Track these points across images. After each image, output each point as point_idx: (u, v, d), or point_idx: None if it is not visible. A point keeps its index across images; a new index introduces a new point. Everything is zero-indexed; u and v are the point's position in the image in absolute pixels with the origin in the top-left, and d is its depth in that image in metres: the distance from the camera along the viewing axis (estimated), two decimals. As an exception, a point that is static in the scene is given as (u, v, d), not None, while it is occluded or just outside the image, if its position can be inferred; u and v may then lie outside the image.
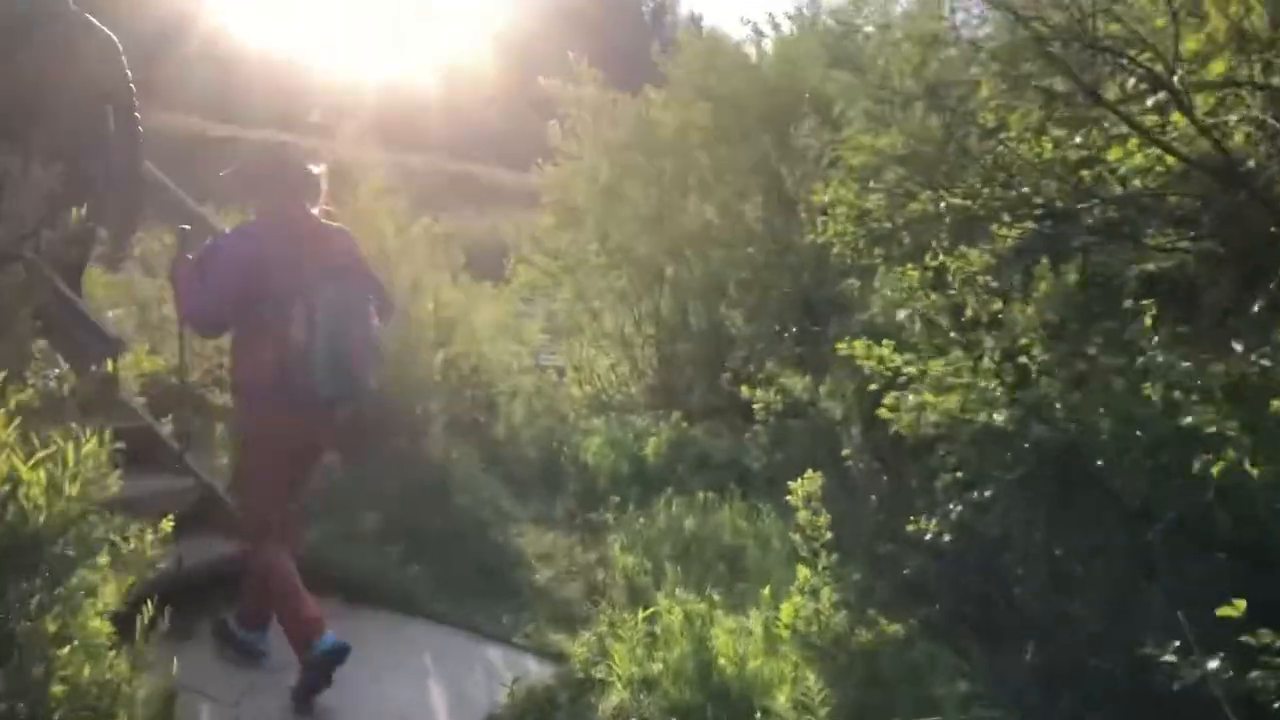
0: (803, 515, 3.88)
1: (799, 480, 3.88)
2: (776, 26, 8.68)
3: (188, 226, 3.76)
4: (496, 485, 6.72)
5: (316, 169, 3.73)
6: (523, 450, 7.47)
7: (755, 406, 5.71)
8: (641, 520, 5.46)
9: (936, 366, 3.75)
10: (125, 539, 2.76)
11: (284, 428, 3.55)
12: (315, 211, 3.70)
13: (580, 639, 4.29)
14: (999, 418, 3.58)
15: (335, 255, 3.61)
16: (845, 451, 4.97)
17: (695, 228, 8.21)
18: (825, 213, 4.56)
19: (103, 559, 2.59)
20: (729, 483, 5.91)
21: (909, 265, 4.06)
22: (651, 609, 4.20)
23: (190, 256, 3.60)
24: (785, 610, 3.88)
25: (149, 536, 2.82)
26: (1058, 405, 3.47)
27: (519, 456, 7.39)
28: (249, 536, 3.72)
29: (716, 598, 4.31)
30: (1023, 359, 3.69)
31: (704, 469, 6.24)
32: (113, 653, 2.50)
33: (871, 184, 4.12)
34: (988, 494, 3.63)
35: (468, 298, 8.43)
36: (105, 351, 3.82)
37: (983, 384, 3.69)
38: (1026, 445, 3.51)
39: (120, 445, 2.52)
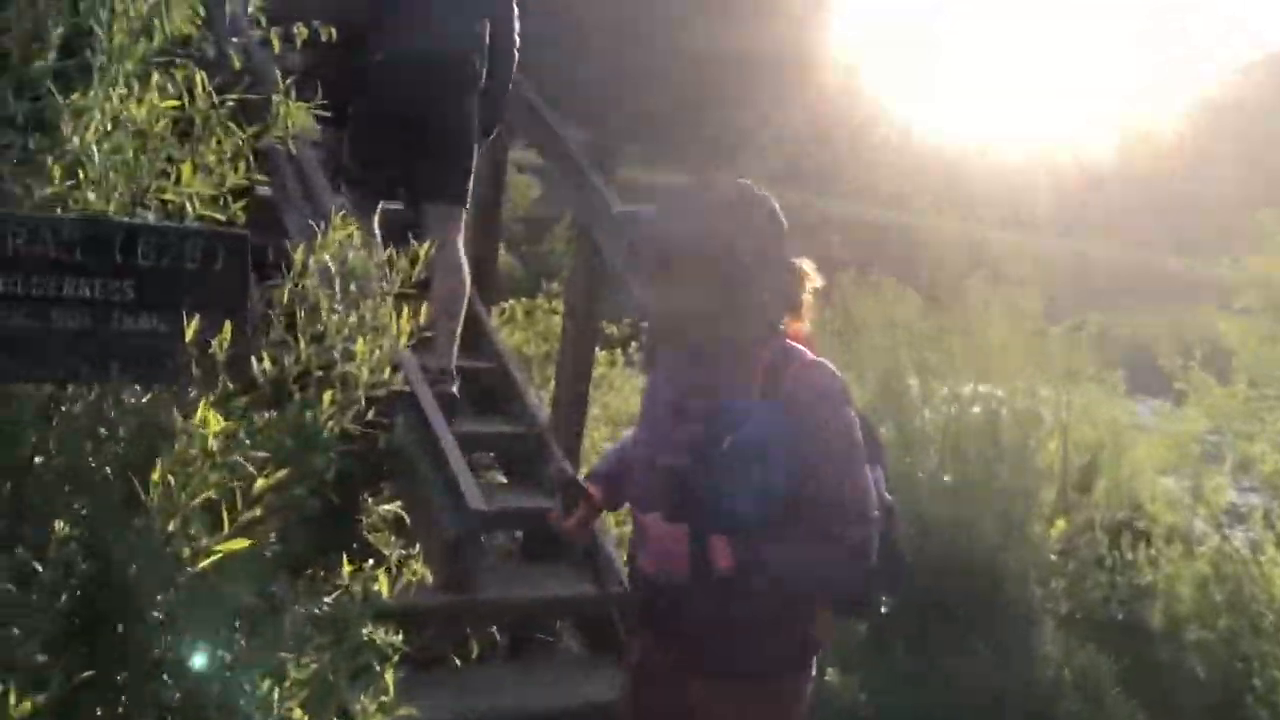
0: None
1: None
2: None
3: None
4: (1137, 715, 4.71)
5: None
6: (1185, 659, 5.34)
7: None
8: None
9: None
10: None
11: None
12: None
13: None
14: None
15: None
16: None
17: None
18: None
19: None
20: None
21: None
22: None
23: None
24: None
25: None
26: None
27: (1178, 667, 5.30)
28: None
29: None
30: None
31: None
32: None
33: None
34: None
35: (1118, 431, 6.34)
36: (459, 530, 2.66)
37: None
38: None
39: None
